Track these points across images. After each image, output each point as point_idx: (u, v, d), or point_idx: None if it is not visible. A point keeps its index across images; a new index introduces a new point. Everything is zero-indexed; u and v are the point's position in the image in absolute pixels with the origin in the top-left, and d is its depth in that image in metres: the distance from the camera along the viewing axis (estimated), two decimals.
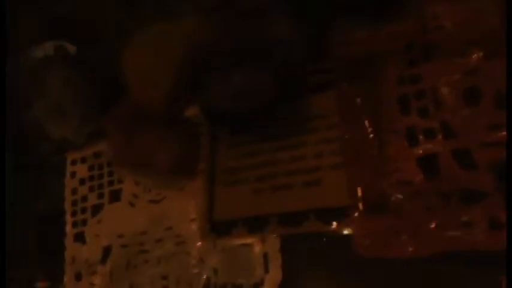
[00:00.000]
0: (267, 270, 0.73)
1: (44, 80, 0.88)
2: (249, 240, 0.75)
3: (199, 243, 0.79)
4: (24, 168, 0.96)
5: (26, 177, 0.96)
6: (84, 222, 0.89)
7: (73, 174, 0.92)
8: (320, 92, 0.74)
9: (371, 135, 0.68)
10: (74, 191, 0.91)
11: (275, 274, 0.72)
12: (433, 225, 0.62)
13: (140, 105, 0.79)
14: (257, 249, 0.74)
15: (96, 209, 0.89)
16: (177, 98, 0.79)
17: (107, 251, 0.86)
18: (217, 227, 0.76)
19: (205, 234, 0.77)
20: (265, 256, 0.73)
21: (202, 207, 0.78)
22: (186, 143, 0.79)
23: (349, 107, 0.71)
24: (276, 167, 0.75)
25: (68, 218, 0.90)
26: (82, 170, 0.92)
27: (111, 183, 0.89)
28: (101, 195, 0.89)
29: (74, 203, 0.91)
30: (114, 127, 0.79)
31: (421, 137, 0.65)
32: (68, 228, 0.90)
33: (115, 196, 0.88)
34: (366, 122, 0.69)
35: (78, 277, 0.87)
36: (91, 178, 0.91)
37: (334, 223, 0.68)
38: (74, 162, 0.93)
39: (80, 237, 0.89)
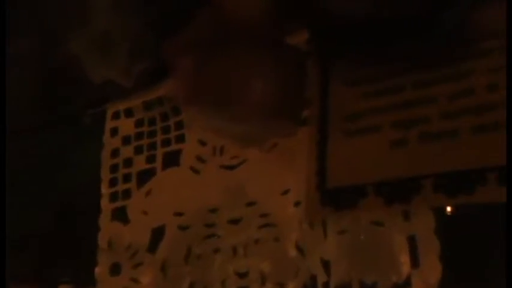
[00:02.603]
0: (416, 263, 0.47)
1: (85, 5, 0.65)
2: (385, 217, 0.49)
3: (299, 224, 0.54)
4: (51, 125, 0.71)
5: (53, 136, 0.71)
6: (126, 195, 0.64)
7: (114, 131, 0.67)
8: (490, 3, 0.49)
9: None
10: (115, 153, 0.66)
11: (430, 269, 0.46)
12: None
13: (226, 24, 0.55)
14: (399, 229, 0.48)
15: (145, 177, 0.64)
16: (280, 14, 0.55)
17: (158, 234, 0.61)
18: (332, 198, 0.51)
19: (312, 209, 0.52)
20: (412, 241, 0.48)
21: (310, 168, 0.52)
22: (289, 76, 0.54)
23: None
24: (429, 106, 0.49)
25: (105, 189, 0.65)
26: (127, 125, 0.66)
27: (166, 142, 0.64)
28: (151, 159, 0.64)
29: (114, 169, 0.66)
30: (186, 52, 0.54)
31: None
32: (104, 202, 0.64)
33: (172, 159, 0.63)
34: None
35: (115, 270, 0.62)
36: (139, 136, 0.66)
37: None
38: (116, 116, 0.67)
39: (120, 215, 0.64)
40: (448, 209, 0.47)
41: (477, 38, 0.49)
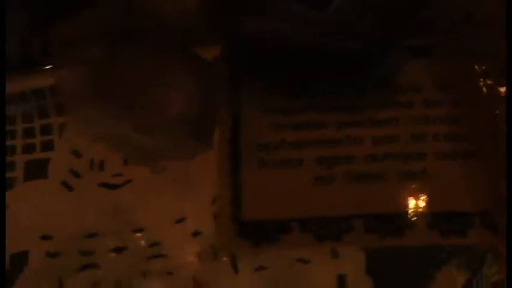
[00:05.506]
0: None
1: None
2: (313, 254, 0.47)
3: (198, 257, 0.48)
4: None
5: None
6: None
7: None
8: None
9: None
10: None
11: None
12: None
13: (142, 16, 0.48)
14: (328, 268, 0.46)
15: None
16: (199, 22, 0.50)
17: (18, 261, 0.48)
18: (249, 231, 0.47)
19: (224, 242, 0.47)
20: (341, 280, 0.46)
21: (223, 197, 0.47)
22: (205, 92, 0.49)
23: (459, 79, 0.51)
24: (353, 147, 0.49)
25: None
26: None
27: (29, 148, 0.52)
28: (10, 166, 0.52)
29: None
30: (90, 40, 0.46)
31: None
32: None
33: (37, 169, 0.51)
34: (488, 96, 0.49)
35: None
36: None
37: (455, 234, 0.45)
38: None
39: None
40: None
41: (402, 89, 0.51)
